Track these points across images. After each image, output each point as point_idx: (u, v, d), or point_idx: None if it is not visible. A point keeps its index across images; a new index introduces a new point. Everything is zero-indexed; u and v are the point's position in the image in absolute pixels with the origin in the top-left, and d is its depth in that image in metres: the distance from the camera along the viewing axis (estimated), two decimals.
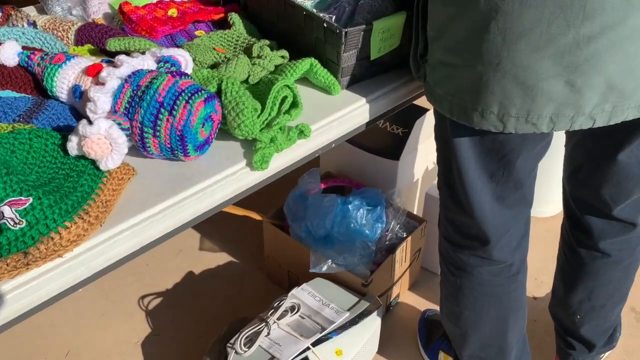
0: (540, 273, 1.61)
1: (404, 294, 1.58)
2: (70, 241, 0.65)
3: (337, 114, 0.91)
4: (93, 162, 0.72)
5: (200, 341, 1.40)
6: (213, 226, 1.76)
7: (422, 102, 1.14)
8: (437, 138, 1.02)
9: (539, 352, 1.41)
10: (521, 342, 1.20)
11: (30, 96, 0.79)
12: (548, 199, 1.75)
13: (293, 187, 1.46)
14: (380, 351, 1.40)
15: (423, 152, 1.59)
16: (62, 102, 0.80)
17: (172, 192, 0.74)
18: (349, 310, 1.31)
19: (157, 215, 0.72)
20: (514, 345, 1.17)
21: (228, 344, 1.22)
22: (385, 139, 1.55)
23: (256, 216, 1.48)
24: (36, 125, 0.75)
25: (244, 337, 1.22)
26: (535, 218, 1.81)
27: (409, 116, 1.52)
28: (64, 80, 0.78)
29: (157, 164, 0.79)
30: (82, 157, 0.72)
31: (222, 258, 1.68)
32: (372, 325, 1.31)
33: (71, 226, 0.65)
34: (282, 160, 0.84)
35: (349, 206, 1.46)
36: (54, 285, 0.63)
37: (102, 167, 0.71)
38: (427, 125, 1.53)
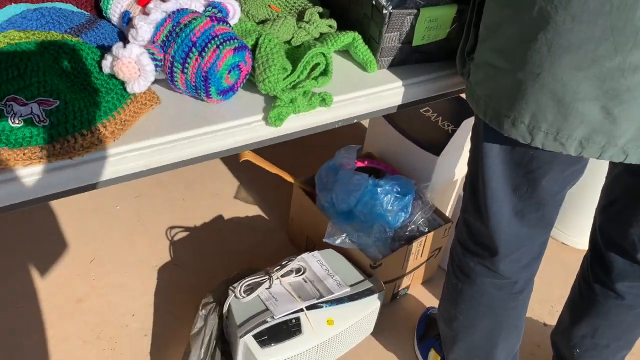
0: (557, 302, 1.57)
1: (415, 287, 1.58)
2: (83, 147, 0.72)
3: (366, 91, 0.93)
4: (122, 84, 0.79)
5: (212, 280, 1.49)
6: (251, 179, 1.83)
7: None
8: (471, 138, 1.01)
9: None
10: None
11: (87, 13, 0.87)
12: (586, 232, 1.68)
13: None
14: (375, 334, 1.43)
15: (467, 153, 1.56)
16: (112, 24, 0.87)
17: (188, 126, 0.79)
18: (350, 286, 1.34)
19: (168, 144, 0.77)
20: None
21: (231, 287, 1.29)
22: (432, 133, 1.55)
23: (289, 178, 1.53)
24: (83, 40, 0.82)
25: (246, 284, 1.29)
26: (569, 247, 1.76)
27: (463, 115, 1.50)
28: (117, 5, 0.84)
29: (182, 99, 0.84)
30: (113, 76, 0.79)
31: (252, 210, 1.75)
32: (370, 306, 1.33)
33: (87, 134, 0.72)
34: (298, 123, 0.87)
35: (378, 189, 1.47)
36: (55, 182, 0.70)
37: (129, 89, 0.77)
38: None
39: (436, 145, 1.50)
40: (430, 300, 1.56)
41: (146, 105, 0.79)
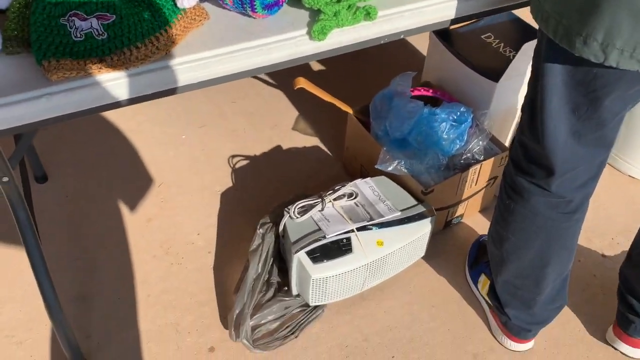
0: (619, 234, 1.53)
1: (469, 215, 1.59)
2: (138, 59, 0.77)
3: (414, 5, 0.92)
4: (174, 0, 0.83)
5: (270, 204, 1.55)
6: (308, 111, 1.87)
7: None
8: (533, 57, 0.98)
9: (588, 305, 1.39)
10: (559, 283, 1.19)
11: None
12: None
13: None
14: (427, 259, 1.46)
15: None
16: None
17: (235, 40, 0.83)
18: (401, 210, 1.36)
19: (215, 57, 0.81)
20: (550, 283, 1.16)
21: (286, 208, 1.35)
22: (492, 58, 1.51)
23: (344, 107, 1.55)
24: None
25: (300, 205, 1.35)
26: (635, 180, 1.68)
27: (524, 39, 1.45)
28: None
29: (229, 15, 0.87)
30: None
31: (309, 141, 1.79)
32: (420, 230, 1.36)
33: (141, 47, 0.77)
34: (342, 38, 0.89)
35: (434, 117, 1.47)
36: (113, 90, 0.76)
37: (179, 4, 0.82)
38: None
39: (495, 71, 1.46)
40: (484, 228, 1.56)
41: (195, 20, 0.83)
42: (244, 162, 1.73)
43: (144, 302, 1.37)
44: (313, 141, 1.79)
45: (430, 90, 1.57)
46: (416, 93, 1.56)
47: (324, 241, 1.28)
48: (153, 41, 0.78)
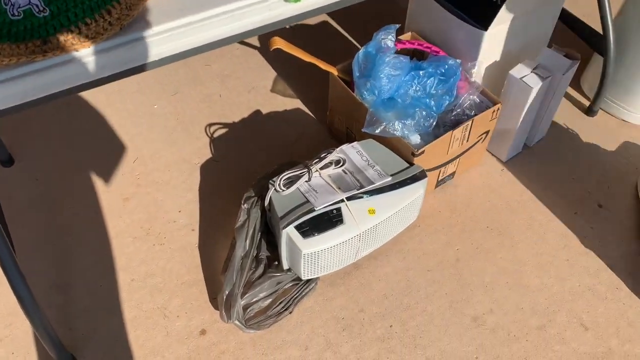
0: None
1: (461, 172, 1.53)
2: (88, 37, 0.67)
3: None
4: None
5: (253, 175, 1.47)
6: (287, 70, 1.76)
7: None
8: None
9: None
10: None
11: None
12: None
13: None
14: (419, 219, 1.41)
15: (519, 25, 1.42)
16: None
17: (200, 8, 0.73)
18: (392, 175, 1.30)
19: (179, 29, 0.72)
20: None
21: (271, 181, 1.28)
22: (479, 5, 1.41)
23: (324, 66, 1.45)
24: None
25: (285, 177, 1.27)
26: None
27: None
28: None
29: None
30: None
31: (289, 103, 1.70)
32: (412, 194, 1.29)
33: (91, 23, 0.67)
34: None
35: (420, 72, 1.38)
36: (62, 75, 0.67)
37: None
38: None
39: (483, 17, 1.36)
40: (477, 186, 1.51)
41: None
42: (222, 130, 1.63)
43: (127, 287, 1.31)
44: (294, 103, 1.70)
45: (416, 43, 1.47)
46: (400, 46, 1.46)
47: (313, 214, 1.22)
48: (104, 15, 0.68)
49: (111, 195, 1.47)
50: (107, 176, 1.51)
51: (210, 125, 1.64)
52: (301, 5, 0.77)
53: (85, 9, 0.68)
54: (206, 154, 1.57)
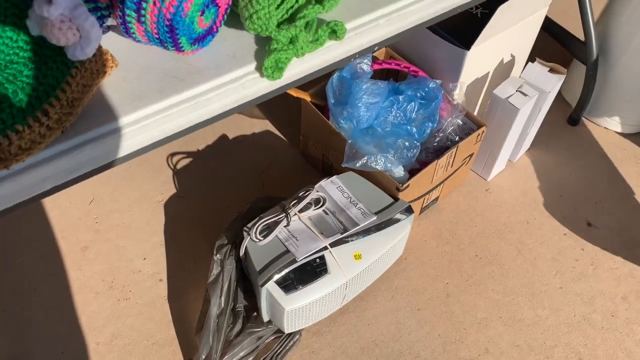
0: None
1: (445, 196, 1.45)
2: (23, 149, 0.54)
3: (394, 5, 0.71)
4: (62, 49, 0.58)
5: (224, 211, 1.36)
6: None
7: None
8: None
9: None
10: None
11: None
12: None
13: None
14: (405, 252, 1.32)
15: (502, 41, 1.33)
16: None
17: (159, 95, 0.60)
18: (376, 214, 1.20)
19: (135, 124, 0.59)
20: None
21: (245, 228, 1.16)
22: (461, 21, 1.30)
23: (297, 93, 1.32)
24: None
25: (262, 224, 1.16)
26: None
27: None
28: None
29: (146, 53, 0.64)
30: (46, 39, 0.58)
31: (258, 125, 1.57)
32: (399, 233, 1.20)
33: (24, 130, 0.54)
34: (302, 67, 0.67)
35: (400, 97, 1.28)
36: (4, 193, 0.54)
37: (70, 56, 0.57)
38: (511, 12, 1.26)
39: (465, 36, 1.26)
40: (462, 209, 1.43)
41: (99, 72, 0.59)
42: (186, 161, 1.50)
43: (93, 352, 1.19)
44: (262, 125, 1.57)
45: (393, 63, 1.36)
46: (376, 67, 1.35)
47: (294, 265, 1.11)
48: (41, 118, 0.55)
49: (67, 245, 1.33)
50: (60, 223, 1.36)
51: (172, 155, 1.50)
52: (280, 80, 0.65)
53: (15, 113, 0.54)
54: (170, 189, 1.44)
